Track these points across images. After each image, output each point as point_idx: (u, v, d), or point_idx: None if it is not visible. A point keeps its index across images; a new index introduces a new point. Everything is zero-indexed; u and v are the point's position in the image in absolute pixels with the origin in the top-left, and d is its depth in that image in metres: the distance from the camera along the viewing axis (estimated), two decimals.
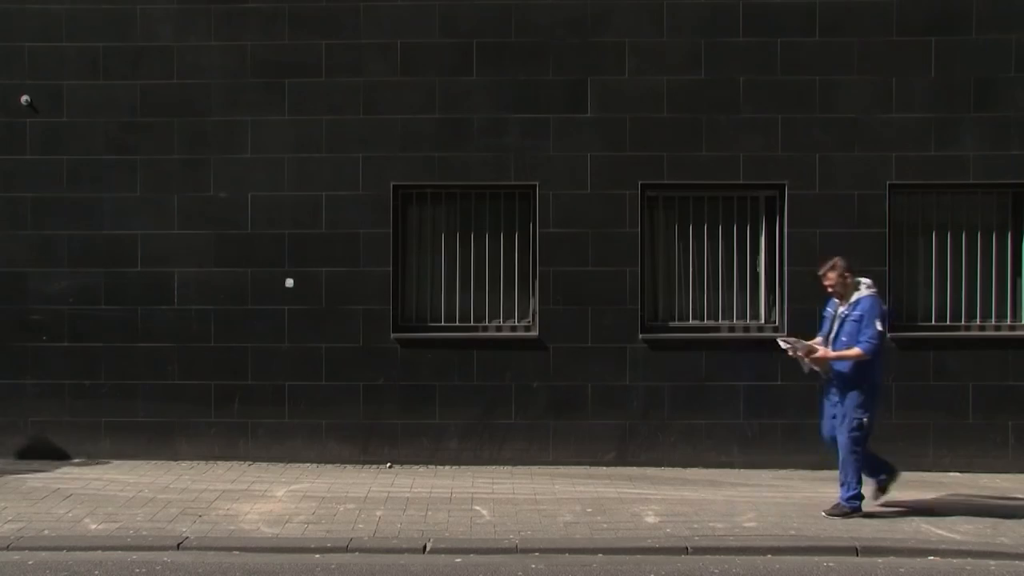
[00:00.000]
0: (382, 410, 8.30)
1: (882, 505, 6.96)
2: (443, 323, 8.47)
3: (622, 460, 8.24)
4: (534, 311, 8.37)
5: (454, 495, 7.32)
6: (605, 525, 6.55)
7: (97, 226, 8.32)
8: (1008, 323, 8.41)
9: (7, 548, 6.03)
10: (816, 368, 6.90)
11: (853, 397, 6.71)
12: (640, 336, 8.24)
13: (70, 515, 6.67)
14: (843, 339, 6.73)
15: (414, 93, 8.28)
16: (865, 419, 6.69)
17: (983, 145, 8.20)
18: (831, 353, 6.79)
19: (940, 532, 6.43)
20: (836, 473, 8.06)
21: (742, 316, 8.47)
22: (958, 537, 6.33)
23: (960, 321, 8.41)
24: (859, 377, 6.69)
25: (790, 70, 8.23)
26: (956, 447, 8.22)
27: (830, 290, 6.85)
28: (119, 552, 6.02)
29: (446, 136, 8.29)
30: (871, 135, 8.22)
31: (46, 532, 6.30)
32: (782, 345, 6.94)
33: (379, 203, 8.31)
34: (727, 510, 6.90)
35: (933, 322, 8.40)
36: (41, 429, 8.32)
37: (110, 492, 7.28)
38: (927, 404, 8.20)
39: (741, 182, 8.29)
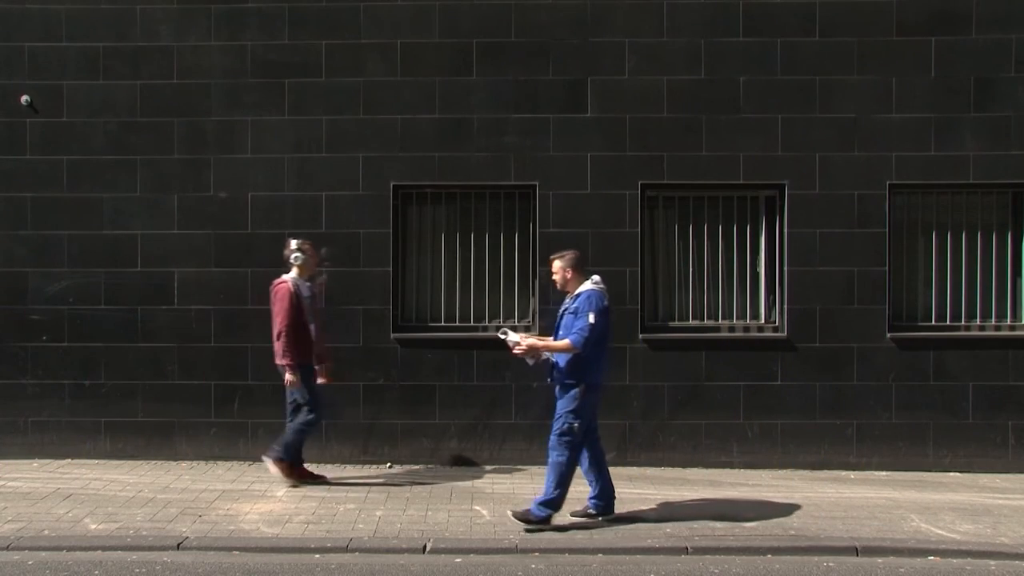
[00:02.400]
0: (382, 410, 8.30)
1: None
2: (443, 323, 8.47)
3: (622, 460, 8.23)
4: (534, 311, 8.37)
5: (454, 495, 7.31)
6: (605, 525, 6.54)
7: (97, 226, 8.32)
8: (1008, 323, 8.41)
9: (7, 548, 6.03)
10: (535, 359, 6.60)
11: (567, 398, 6.40)
12: (640, 336, 8.24)
13: (70, 515, 6.67)
14: (560, 332, 6.49)
15: (414, 93, 8.29)
16: (576, 424, 6.34)
17: (983, 145, 8.20)
18: (538, 342, 6.50)
19: (940, 532, 6.43)
20: (838, 473, 8.10)
21: (742, 316, 8.47)
22: (958, 537, 6.33)
23: (960, 321, 8.41)
24: (573, 375, 6.37)
25: (790, 70, 8.23)
26: (956, 447, 8.22)
27: (557, 286, 6.74)
28: (119, 552, 6.03)
29: (446, 136, 8.29)
30: (871, 135, 8.22)
31: (46, 532, 6.30)
32: (503, 337, 6.65)
33: (379, 203, 8.31)
34: (727, 510, 6.90)
35: (933, 322, 8.40)
36: (42, 429, 8.33)
37: (110, 492, 7.29)
38: (927, 404, 8.20)
39: (741, 182, 8.29)
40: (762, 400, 8.25)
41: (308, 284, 7.55)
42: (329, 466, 8.20)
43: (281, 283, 7.41)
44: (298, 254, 7.46)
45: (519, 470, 8.12)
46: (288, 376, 7.30)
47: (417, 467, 8.21)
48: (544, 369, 6.71)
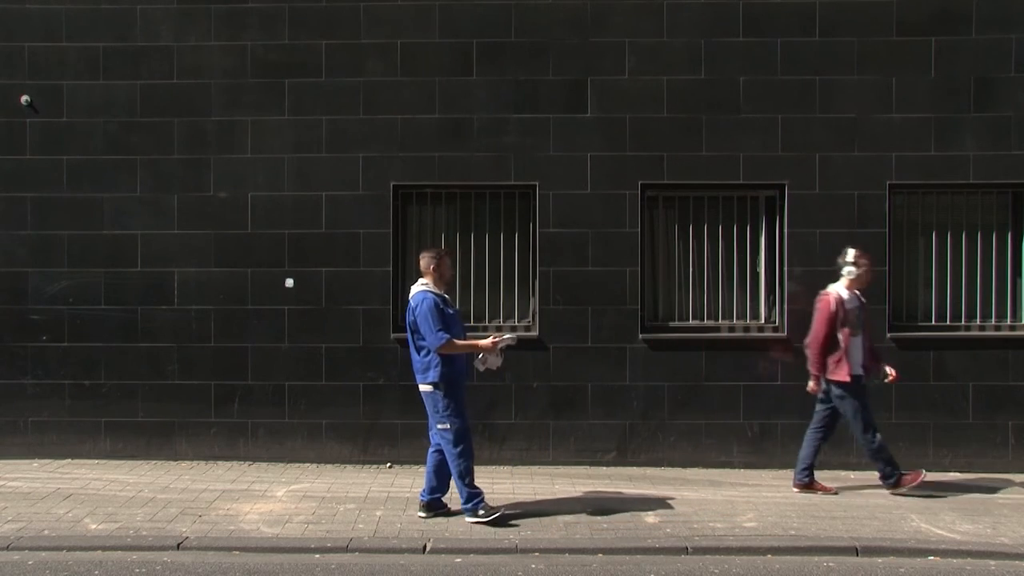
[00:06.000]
0: (382, 410, 8.30)
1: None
2: None
3: (622, 460, 8.24)
4: (534, 311, 8.37)
5: (454, 495, 7.30)
6: (605, 525, 6.55)
7: (97, 226, 8.32)
8: (1008, 323, 8.41)
9: (7, 548, 6.04)
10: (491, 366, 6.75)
11: None
12: (640, 336, 8.24)
13: (70, 515, 6.67)
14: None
15: (414, 93, 8.29)
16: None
17: (983, 145, 8.20)
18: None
19: (940, 532, 6.43)
20: (836, 473, 8.11)
21: (742, 316, 8.47)
22: (958, 537, 6.33)
23: (960, 321, 8.41)
24: None
25: (790, 70, 8.23)
26: (956, 447, 8.21)
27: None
28: (119, 552, 6.03)
29: (446, 136, 8.29)
30: (871, 135, 8.22)
31: (46, 532, 6.30)
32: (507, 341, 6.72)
33: (379, 203, 8.31)
34: (727, 510, 6.90)
35: (933, 322, 8.39)
36: (42, 429, 8.33)
37: (110, 492, 7.29)
38: (927, 404, 8.20)
39: (741, 182, 8.29)
40: (762, 400, 8.25)
41: (856, 295, 7.45)
42: (329, 466, 8.21)
43: (824, 296, 7.38)
44: (852, 268, 7.38)
45: (519, 470, 8.12)
46: (811, 384, 7.38)
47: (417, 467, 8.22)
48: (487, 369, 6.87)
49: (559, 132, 8.26)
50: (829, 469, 8.16)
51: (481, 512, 6.56)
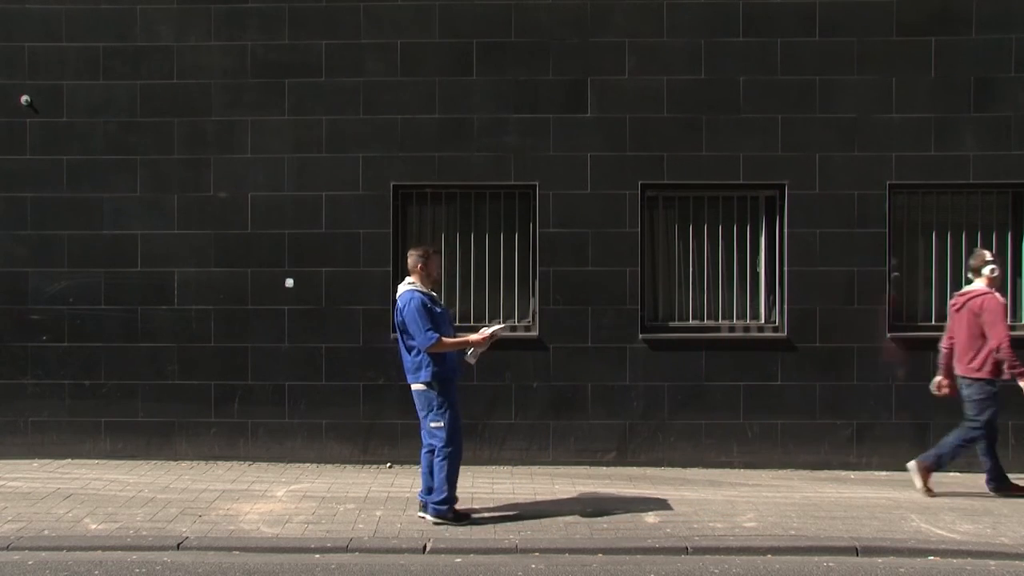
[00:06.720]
0: (382, 410, 8.30)
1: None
2: None
3: (622, 460, 8.25)
4: (534, 311, 8.37)
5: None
6: (605, 525, 6.55)
7: (97, 226, 8.33)
8: (1008, 323, 8.39)
9: (7, 548, 6.04)
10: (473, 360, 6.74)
11: None
12: (640, 336, 8.24)
13: (70, 515, 6.67)
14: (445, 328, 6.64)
15: (414, 93, 8.29)
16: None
17: (983, 145, 8.20)
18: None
19: (940, 532, 6.43)
20: (837, 473, 8.12)
21: (742, 316, 8.47)
22: (958, 537, 6.33)
23: None
24: None
25: (790, 70, 8.23)
26: None
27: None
28: (119, 552, 6.03)
29: (446, 136, 8.29)
30: (871, 135, 8.22)
31: (46, 532, 6.30)
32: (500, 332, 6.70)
33: (379, 203, 8.31)
34: (727, 510, 6.90)
35: (933, 322, 8.38)
36: (42, 429, 8.33)
37: (110, 492, 7.29)
38: (927, 404, 8.16)
39: (741, 182, 8.29)
40: (762, 400, 8.25)
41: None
42: (329, 466, 8.21)
43: (988, 294, 7.31)
44: (994, 266, 7.38)
45: (519, 470, 8.12)
46: None
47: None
48: (467, 367, 6.87)
49: (559, 132, 8.26)
50: (829, 469, 8.18)
51: (449, 516, 6.54)
